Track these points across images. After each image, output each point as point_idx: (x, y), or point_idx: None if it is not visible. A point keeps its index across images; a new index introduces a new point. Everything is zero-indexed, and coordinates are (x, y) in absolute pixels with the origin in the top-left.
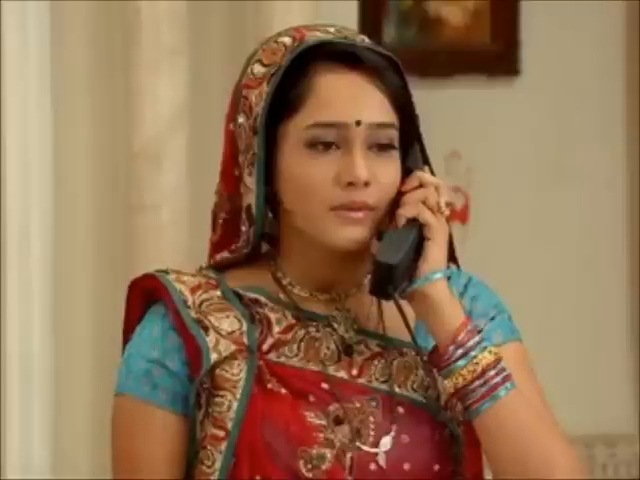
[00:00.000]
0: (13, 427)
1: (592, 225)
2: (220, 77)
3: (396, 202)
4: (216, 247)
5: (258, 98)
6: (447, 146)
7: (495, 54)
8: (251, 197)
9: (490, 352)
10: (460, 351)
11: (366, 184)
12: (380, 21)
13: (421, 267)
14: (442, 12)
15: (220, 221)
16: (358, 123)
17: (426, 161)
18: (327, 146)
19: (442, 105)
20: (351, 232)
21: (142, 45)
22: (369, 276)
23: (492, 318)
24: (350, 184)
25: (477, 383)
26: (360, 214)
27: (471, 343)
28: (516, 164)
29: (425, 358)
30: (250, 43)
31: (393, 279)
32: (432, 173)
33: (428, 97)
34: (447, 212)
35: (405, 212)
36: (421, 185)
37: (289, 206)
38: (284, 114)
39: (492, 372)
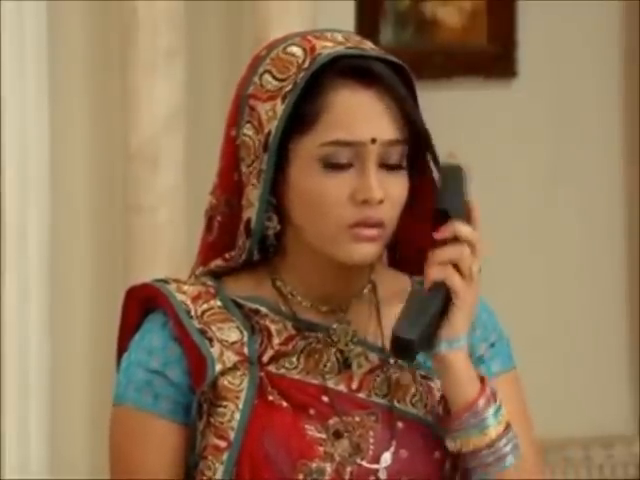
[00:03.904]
0: (11, 427)
1: (590, 225)
2: (217, 78)
3: (430, 244)
4: (211, 248)
5: (270, 114)
6: (444, 148)
7: (492, 55)
8: (252, 211)
9: (500, 422)
10: (473, 420)
11: (380, 201)
12: (377, 22)
13: (443, 331)
14: (439, 13)
15: (216, 223)
16: (373, 141)
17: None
18: (341, 164)
19: (439, 107)
20: (365, 249)
21: (139, 46)
22: (370, 285)
23: (492, 344)
24: (365, 201)
25: (485, 452)
26: (374, 231)
27: (487, 414)
28: (514, 166)
29: (422, 372)
30: (247, 44)
31: (413, 350)
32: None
33: (425, 99)
34: (478, 278)
35: (433, 275)
36: (455, 238)
37: (299, 222)
38: (297, 130)
39: (501, 443)
